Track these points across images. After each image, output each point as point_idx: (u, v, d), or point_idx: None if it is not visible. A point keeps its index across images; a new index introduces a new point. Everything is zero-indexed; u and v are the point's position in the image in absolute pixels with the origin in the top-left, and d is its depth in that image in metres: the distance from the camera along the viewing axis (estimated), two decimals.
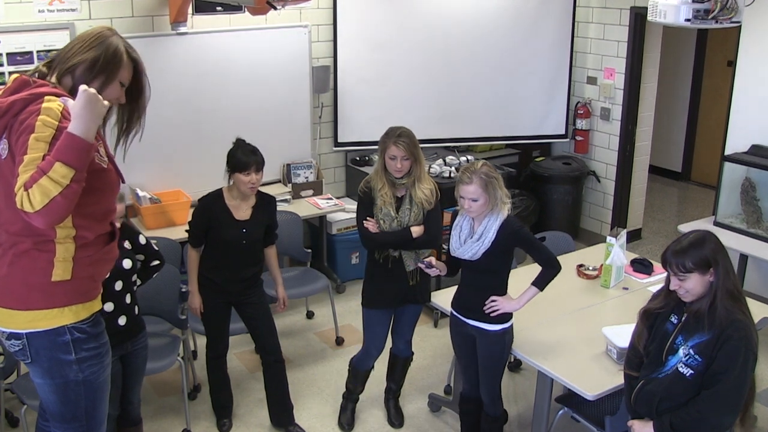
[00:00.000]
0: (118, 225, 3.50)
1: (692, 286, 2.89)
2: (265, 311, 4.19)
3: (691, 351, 2.89)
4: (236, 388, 4.52)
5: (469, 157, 6.26)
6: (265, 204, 4.13)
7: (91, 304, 2.69)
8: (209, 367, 4.26)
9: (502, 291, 3.65)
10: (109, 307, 3.42)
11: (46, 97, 2.41)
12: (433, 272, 3.75)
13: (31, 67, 4.82)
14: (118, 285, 3.48)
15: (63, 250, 2.53)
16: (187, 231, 4.13)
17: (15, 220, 2.44)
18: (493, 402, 3.82)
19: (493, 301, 3.58)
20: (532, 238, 3.67)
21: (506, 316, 3.63)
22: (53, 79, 2.55)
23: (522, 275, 4.64)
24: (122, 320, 3.49)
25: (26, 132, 2.35)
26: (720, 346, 2.83)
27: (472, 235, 3.56)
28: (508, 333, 3.68)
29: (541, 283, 3.61)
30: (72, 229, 2.53)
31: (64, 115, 2.39)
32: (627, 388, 3.19)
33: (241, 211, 4.03)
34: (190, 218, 4.15)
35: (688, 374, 2.90)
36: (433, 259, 3.72)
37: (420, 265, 3.77)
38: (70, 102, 2.40)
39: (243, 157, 3.93)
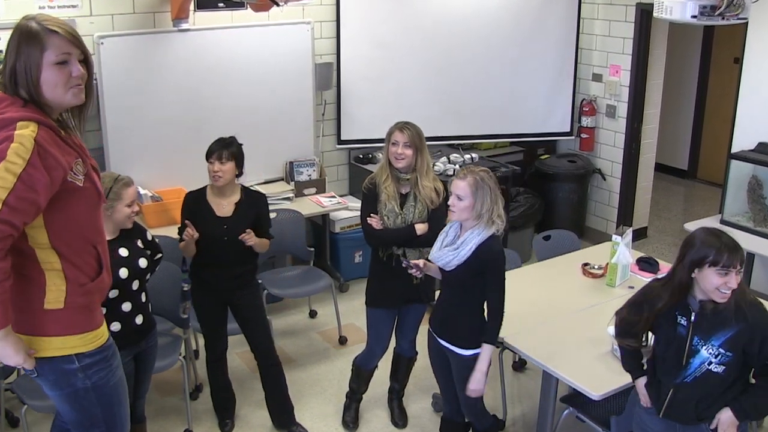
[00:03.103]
0: (129, 226, 3.51)
1: (739, 280, 2.85)
2: (259, 313, 4.15)
3: (721, 350, 2.86)
4: (238, 388, 4.49)
5: (473, 155, 6.22)
6: (252, 200, 4.09)
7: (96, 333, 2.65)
8: (209, 370, 4.23)
9: (475, 316, 3.49)
10: (127, 306, 3.42)
11: (19, 123, 2.34)
12: (416, 273, 3.63)
13: None
14: (135, 284, 3.47)
15: (53, 276, 2.50)
16: (178, 229, 4.09)
17: None
18: (477, 420, 3.76)
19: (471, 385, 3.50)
20: (499, 274, 3.41)
21: (497, 339, 3.49)
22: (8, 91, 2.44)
23: (526, 275, 4.63)
24: (139, 319, 3.49)
25: None
26: (760, 335, 2.82)
27: (453, 243, 3.43)
28: None
29: (491, 337, 3.44)
30: (52, 251, 2.49)
31: (39, 142, 2.33)
32: (625, 354, 3.18)
33: (223, 207, 4.00)
34: None
35: (721, 371, 2.89)
36: (420, 261, 3.60)
37: (404, 263, 3.68)
38: None
39: (211, 146, 3.95)
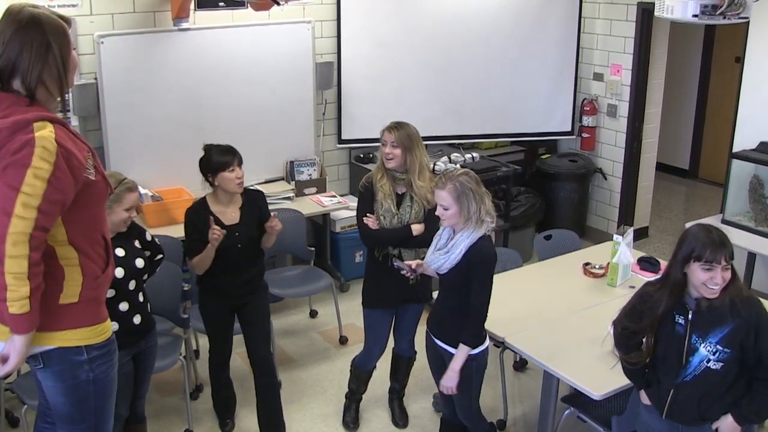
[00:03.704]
0: (122, 230, 3.50)
1: (728, 276, 2.85)
2: (263, 316, 4.12)
3: (719, 346, 2.87)
4: (238, 388, 4.48)
5: (474, 155, 6.21)
6: (253, 200, 4.06)
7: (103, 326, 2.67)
8: (212, 372, 4.22)
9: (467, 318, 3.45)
10: (124, 306, 3.41)
11: (35, 124, 2.32)
12: (407, 274, 3.62)
13: None
14: (132, 284, 3.46)
15: (71, 271, 2.51)
16: (183, 247, 4.02)
17: None
18: (473, 425, 3.73)
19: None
20: (484, 276, 3.35)
21: (477, 341, 3.47)
22: (19, 88, 2.40)
23: (527, 274, 4.63)
24: (137, 319, 3.48)
25: (17, 165, 2.27)
26: (754, 328, 2.83)
27: (445, 246, 3.40)
28: (477, 360, 3.48)
29: (467, 338, 3.40)
30: (70, 247, 2.50)
31: (59, 143, 2.33)
32: (628, 371, 3.15)
33: (229, 215, 3.94)
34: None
35: (719, 368, 2.89)
36: (413, 263, 3.58)
37: (395, 264, 3.67)
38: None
39: (221, 157, 3.86)
